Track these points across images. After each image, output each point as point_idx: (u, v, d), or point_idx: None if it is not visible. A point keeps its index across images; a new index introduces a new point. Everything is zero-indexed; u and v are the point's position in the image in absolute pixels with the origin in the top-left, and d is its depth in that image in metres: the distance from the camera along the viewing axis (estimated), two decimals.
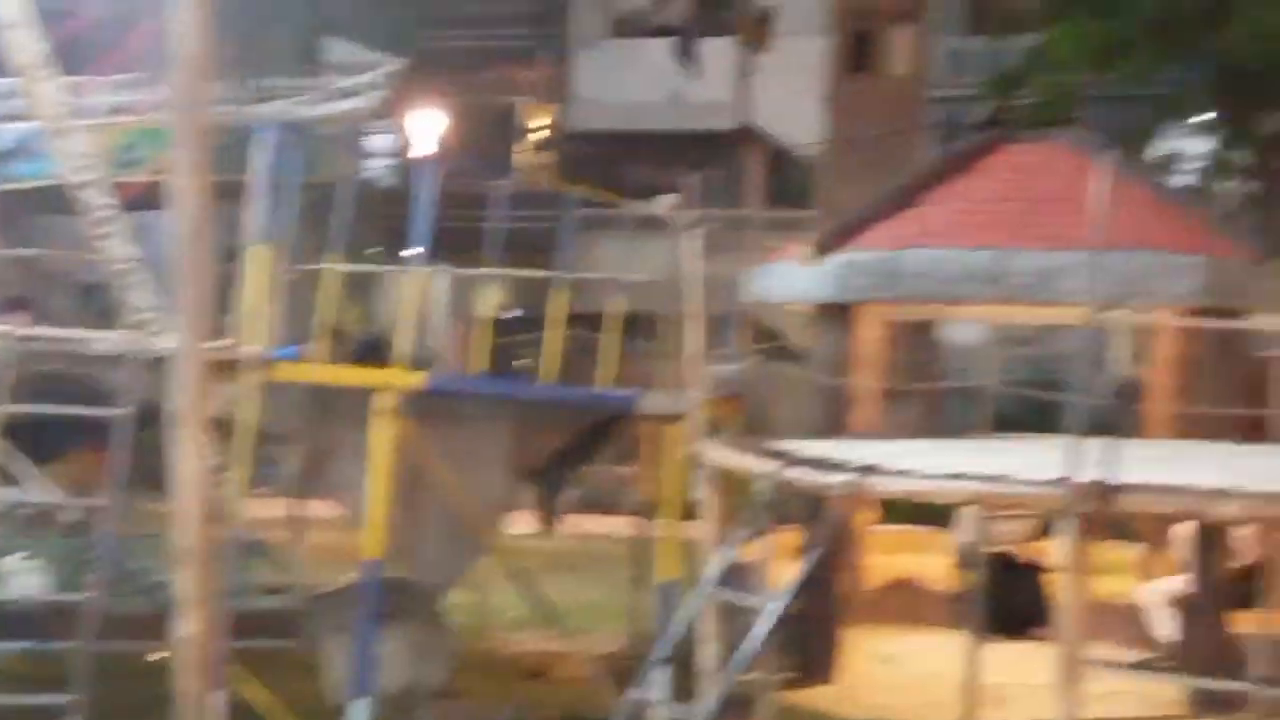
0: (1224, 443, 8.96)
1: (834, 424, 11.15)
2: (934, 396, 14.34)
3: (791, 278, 10.31)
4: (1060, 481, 3.76)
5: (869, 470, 4.45)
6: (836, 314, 10.66)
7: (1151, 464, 5.15)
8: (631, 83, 24.59)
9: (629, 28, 26.07)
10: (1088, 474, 3.73)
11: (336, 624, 8.18)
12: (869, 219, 10.31)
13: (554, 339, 8.89)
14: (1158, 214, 9.84)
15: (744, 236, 24.19)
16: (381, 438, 7.51)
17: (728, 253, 21.16)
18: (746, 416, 9.22)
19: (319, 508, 9.95)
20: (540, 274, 9.78)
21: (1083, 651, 3.80)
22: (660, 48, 25.00)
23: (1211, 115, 17.36)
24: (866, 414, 11.70)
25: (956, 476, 4.20)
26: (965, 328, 18.69)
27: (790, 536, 8.53)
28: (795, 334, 16.91)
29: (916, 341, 19.54)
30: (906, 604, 11.51)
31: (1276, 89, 16.27)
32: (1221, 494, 3.69)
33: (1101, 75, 16.56)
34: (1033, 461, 4.09)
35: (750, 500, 5.61)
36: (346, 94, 11.18)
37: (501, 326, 22.64)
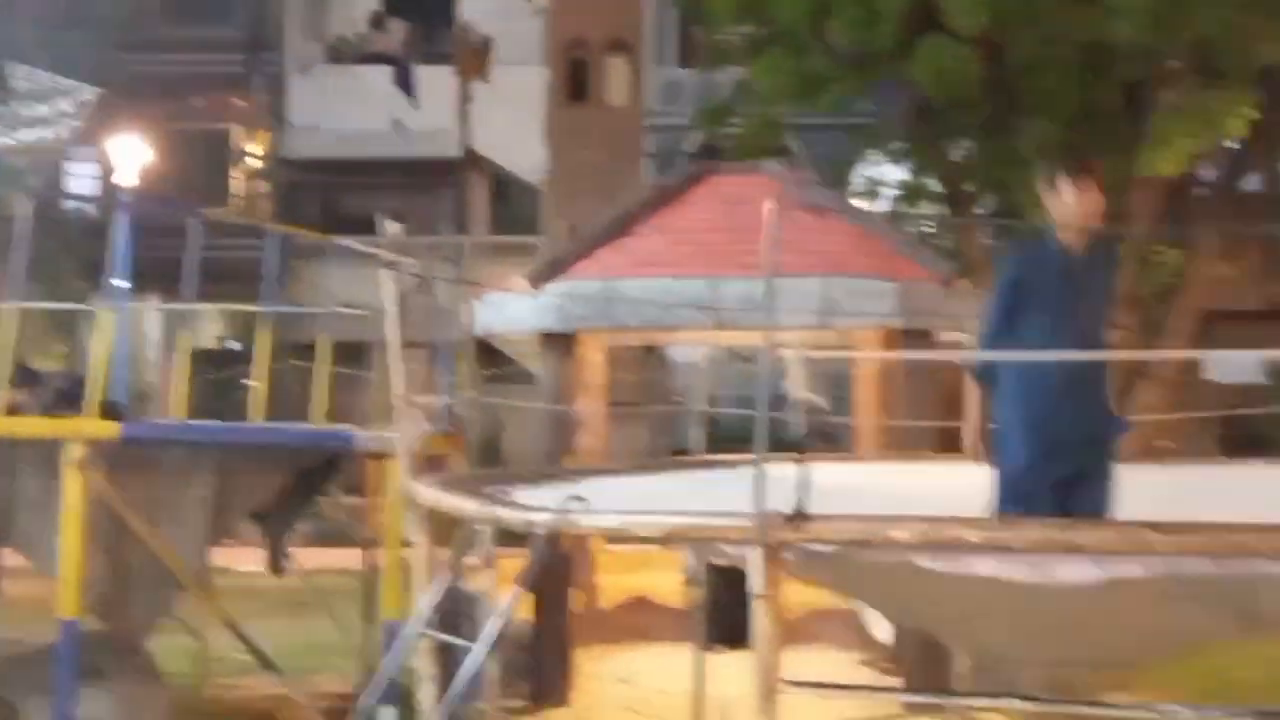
0: (919, 459, 9.44)
1: (560, 450, 11.26)
2: (662, 417, 14.63)
3: (511, 308, 10.33)
4: (750, 514, 3.87)
5: (574, 507, 4.47)
6: (559, 342, 10.74)
7: (840, 488, 5.38)
8: (350, 110, 24.19)
9: (344, 54, 25.64)
10: (775, 503, 3.86)
11: (35, 685, 7.68)
12: (585, 249, 10.45)
13: (262, 374, 8.59)
14: (854, 240, 10.33)
15: (470, 263, 24.23)
16: (73, 490, 7.08)
17: (455, 278, 21.24)
18: (469, 449, 9.12)
19: (11, 557, 9.31)
20: (245, 307, 9.44)
21: (778, 676, 3.92)
22: (379, 75, 24.69)
23: (905, 144, 18.48)
24: (592, 439, 11.85)
25: (655, 513, 4.27)
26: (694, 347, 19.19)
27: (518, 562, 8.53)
28: (529, 359, 17.02)
29: (646, 362, 20.02)
30: (641, 621, 11.64)
31: (961, 121, 17.46)
32: (899, 520, 3.88)
33: (803, 107, 17.39)
34: (738, 487, 4.20)
35: (469, 529, 5.57)
36: (37, 122, 10.55)
37: (219, 359, 21.89)
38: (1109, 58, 14.89)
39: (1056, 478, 4.71)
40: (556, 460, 10.23)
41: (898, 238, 11.53)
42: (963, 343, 10.14)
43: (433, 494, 5.45)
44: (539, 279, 9.89)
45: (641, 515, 4.34)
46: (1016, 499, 4.70)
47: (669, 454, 16.87)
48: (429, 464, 8.76)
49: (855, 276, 9.68)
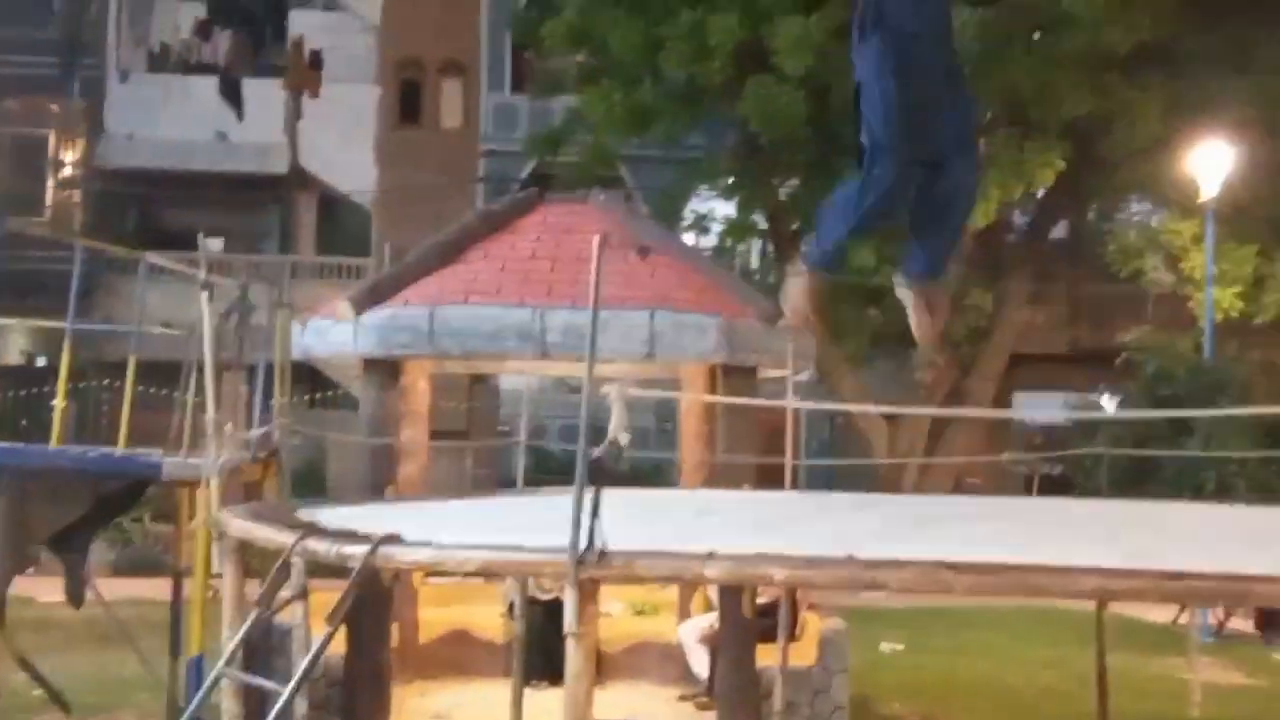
0: (741, 489, 9.56)
1: (381, 480, 11.06)
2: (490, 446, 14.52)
3: (333, 333, 10.09)
4: (561, 549, 3.87)
5: (388, 540, 4.40)
6: (381, 369, 10.55)
7: (653, 519, 5.44)
8: (172, 120, 23.42)
9: (168, 63, 24.87)
10: (584, 539, 3.87)
11: None
12: (411, 275, 10.30)
13: (65, 394, 8.22)
14: (680, 275, 10.42)
15: (296, 283, 23.69)
16: None
17: (275, 299, 20.71)
18: (286, 477, 8.88)
19: None
20: (49, 323, 9.04)
21: (590, 713, 3.92)
22: (204, 85, 24.00)
23: (733, 180, 18.82)
24: (415, 468, 11.67)
25: (469, 546, 4.24)
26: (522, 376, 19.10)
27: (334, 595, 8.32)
28: (354, 384, 16.68)
29: (474, 389, 19.84)
30: (461, 656, 11.48)
31: (787, 159, 17.90)
32: (709, 557, 3.92)
33: (634, 137, 17.60)
34: (555, 520, 4.19)
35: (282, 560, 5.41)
36: None
37: (25, 376, 20.88)
38: None
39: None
40: (377, 490, 10.04)
41: (722, 274, 11.68)
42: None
43: (243, 525, 5.30)
44: (362, 304, 9.70)
45: (455, 549, 4.30)
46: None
47: (497, 483, 16.76)
48: (244, 491, 8.52)
49: (680, 311, 9.75)
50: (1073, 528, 5.68)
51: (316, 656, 4.32)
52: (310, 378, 18.17)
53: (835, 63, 15.03)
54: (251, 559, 5.92)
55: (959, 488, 19.28)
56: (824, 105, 15.67)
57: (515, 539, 4.38)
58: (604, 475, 4.18)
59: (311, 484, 20.83)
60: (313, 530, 4.83)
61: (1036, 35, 15.02)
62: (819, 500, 7.89)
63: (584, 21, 16.73)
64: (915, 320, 4.63)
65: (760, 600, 9.82)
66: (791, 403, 8.76)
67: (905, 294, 4.67)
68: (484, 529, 5.46)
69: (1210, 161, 14.82)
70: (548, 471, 19.92)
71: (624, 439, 4.21)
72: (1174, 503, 7.00)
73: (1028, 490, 19.09)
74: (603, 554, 3.90)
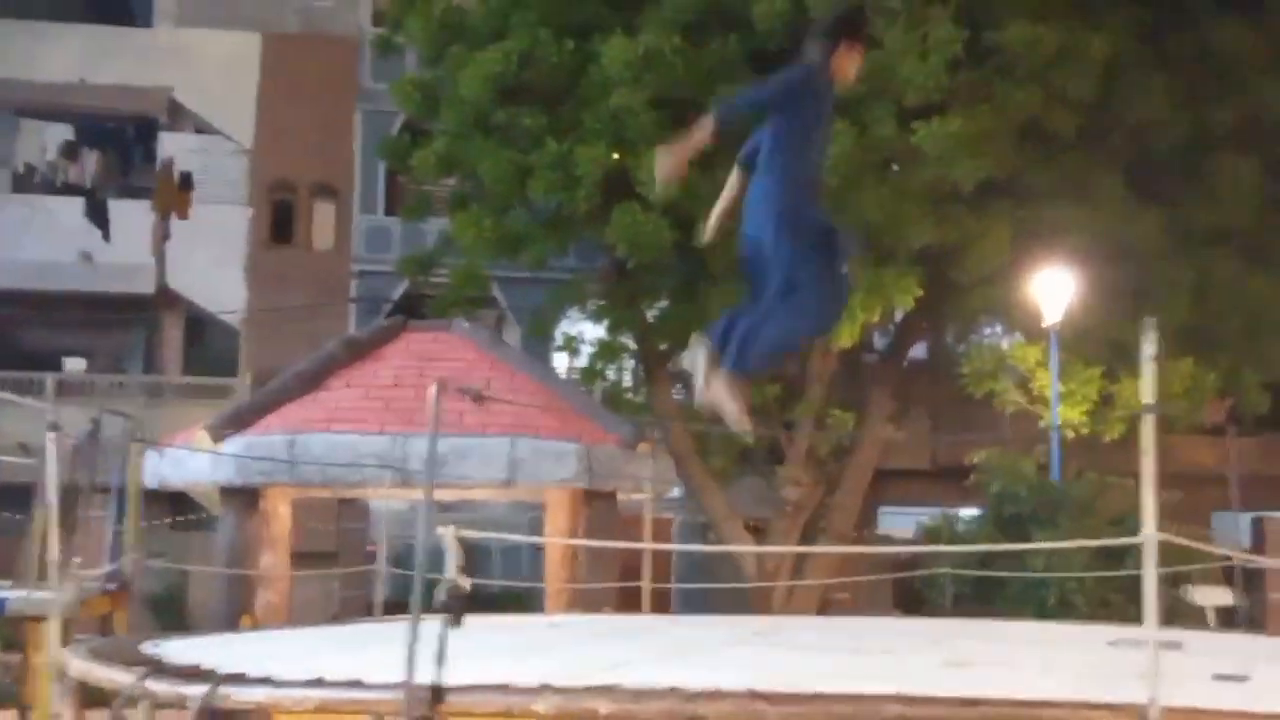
0: (600, 614, 9.71)
1: (239, 608, 10.96)
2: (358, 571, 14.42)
3: (191, 461, 10.10)
4: (397, 686, 4.01)
5: (227, 680, 4.49)
6: (240, 496, 10.55)
7: (500, 649, 5.56)
8: (35, 241, 23.16)
9: (32, 184, 24.64)
10: (421, 675, 4.01)
11: None
12: (271, 402, 10.38)
13: None
14: (542, 401, 10.67)
15: (162, 402, 23.35)
16: None
17: (148, 419, 20.42)
18: (136, 607, 8.80)
19: None
20: None
21: None
22: (68, 206, 23.79)
23: (603, 303, 19.20)
24: (275, 596, 11.59)
25: (306, 684, 4.34)
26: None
27: None
28: (218, 507, 16.48)
29: (345, 511, 19.67)
30: None
31: (654, 283, 18.37)
32: (545, 689, 4.09)
33: (505, 261, 17.92)
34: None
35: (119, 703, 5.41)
36: None
37: None
38: None
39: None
40: (233, 620, 9.98)
41: (584, 400, 11.97)
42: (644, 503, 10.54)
43: (82, 665, 5.31)
44: (221, 432, 9.75)
45: (293, 687, 4.40)
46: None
47: (365, 607, 16.61)
48: (99, 623, 8.42)
49: (541, 438, 10.00)
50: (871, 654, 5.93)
51: None
52: (173, 499, 17.89)
53: (699, 192, 15.61)
54: (93, 691, 5.89)
55: (826, 605, 19.61)
56: (688, 232, 16.18)
57: (361, 672, 4.49)
58: (452, 615, 4.35)
59: (172, 611, 20.35)
60: (152, 669, 4.88)
61: (895, 168, 15.75)
62: (663, 624, 8.08)
63: (453, 150, 17.10)
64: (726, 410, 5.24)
65: None
66: (648, 545, 8.97)
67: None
68: (330, 663, 5.54)
69: (1052, 287, 15.63)
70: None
71: (465, 583, 4.37)
72: (994, 621, 7.34)
73: (896, 604, 19.50)
74: (437, 691, 4.04)
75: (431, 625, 4.20)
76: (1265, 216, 17.23)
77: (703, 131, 5.22)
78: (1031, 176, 16.26)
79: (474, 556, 21.47)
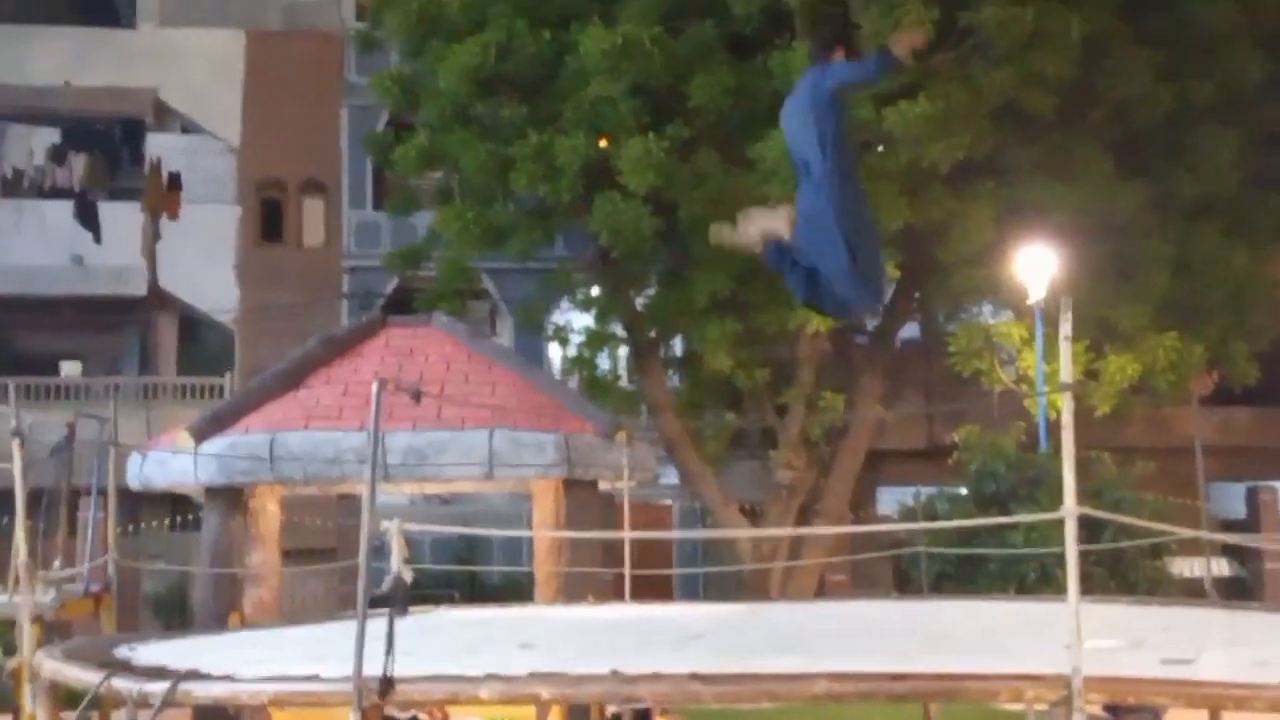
0: (581, 604, 9.86)
1: (226, 607, 11.12)
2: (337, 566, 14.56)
3: (174, 463, 10.24)
4: (347, 678, 4.15)
5: (188, 677, 4.64)
6: (224, 495, 10.69)
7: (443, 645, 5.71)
8: (26, 245, 23.32)
9: (21, 189, 24.78)
10: (371, 666, 4.15)
11: None
12: (252, 402, 10.53)
13: None
14: (521, 394, 10.81)
15: (157, 403, 23.51)
16: None
17: (143, 420, 20.58)
18: (114, 611, 8.95)
19: None
20: None
21: None
22: (58, 209, 23.94)
23: (593, 291, 19.34)
24: (266, 592, 11.74)
25: (263, 680, 4.49)
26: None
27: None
28: None
29: (345, 506, 19.81)
30: None
31: (641, 271, 18.50)
32: (490, 677, 4.23)
33: (491, 252, 18.06)
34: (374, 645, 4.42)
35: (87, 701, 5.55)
36: None
37: None
38: None
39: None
40: (222, 618, 10.14)
41: (563, 391, 12.10)
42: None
43: (54, 665, 5.46)
44: (202, 432, 9.89)
45: (250, 683, 4.54)
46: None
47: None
48: (81, 625, 8.57)
49: (519, 430, 10.13)
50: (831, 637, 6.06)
51: None
52: (174, 500, 18.06)
53: (677, 180, 15.73)
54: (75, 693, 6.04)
55: (823, 587, 19.76)
56: (672, 220, 16.31)
57: (325, 666, 4.63)
58: (396, 606, 4.49)
59: (175, 610, 20.56)
60: (117, 669, 5.03)
61: (880, 149, 15.84)
62: (642, 613, 8.22)
63: (435, 144, 17.21)
64: None
65: (611, 710, 10.11)
66: (627, 534, 9.11)
67: None
68: (301, 658, 5.69)
69: (1036, 265, 15.73)
70: (418, 586, 19.95)
71: (408, 575, 4.51)
72: (965, 600, 7.47)
73: (896, 585, 19.63)
74: (385, 681, 4.18)
75: (386, 621, 4.33)
76: (1246, 189, 17.31)
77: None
78: (1012, 155, 16.35)
79: (477, 548, 21.58)
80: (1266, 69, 17.06)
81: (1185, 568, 15.74)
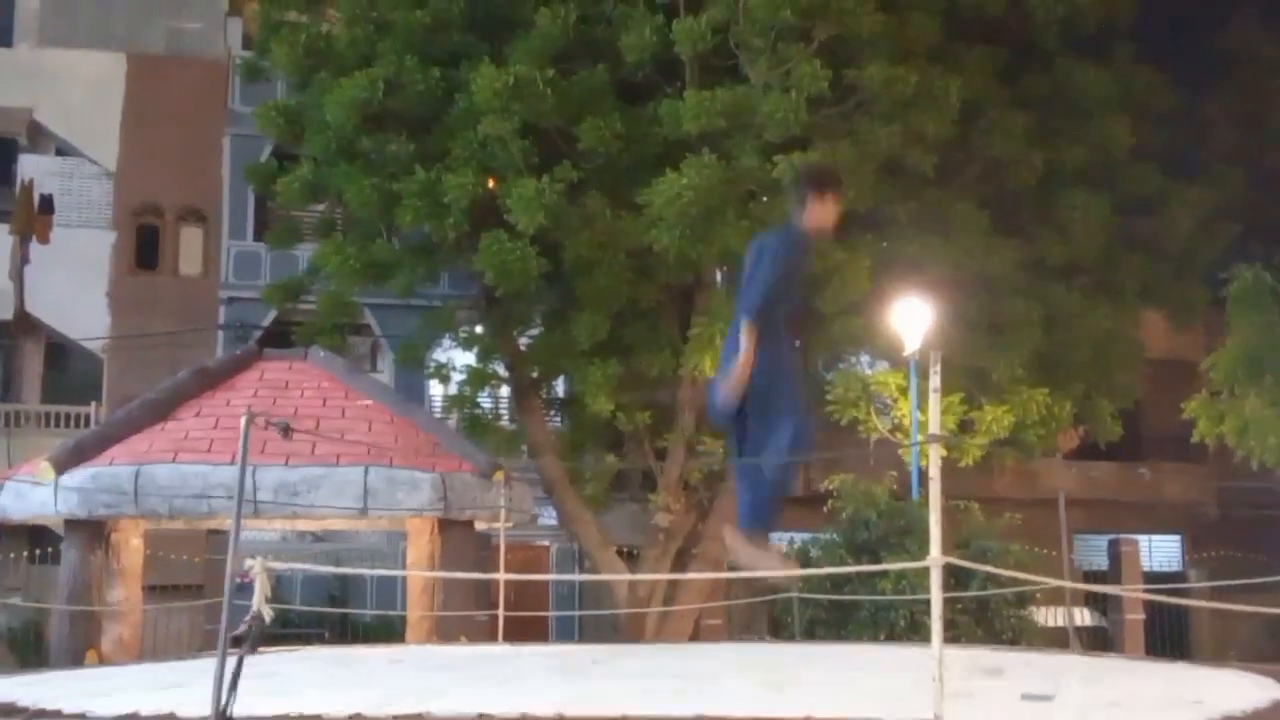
0: (456, 643, 9.73)
1: (83, 643, 10.75)
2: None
3: (33, 494, 9.91)
4: (205, 718, 4.04)
5: (38, 715, 4.47)
6: (85, 528, 10.37)
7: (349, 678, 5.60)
8: None
9: None
10: (222, 705, 4.04)
11: None
12: (118, 433, 10.24)
13: None
14: (397, 431, 10.69)
15: (20, 431, 22.73)
16: None
17: (5, 448, 19.85)
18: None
19: None
20: None
21: None
22: None
23: (476, 329, 19.22)
24: (127, 629, 11.38)
25: (121, 718, 4.35)
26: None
27: None
28: None
29: (214, 541, 19.28)
30: None
31: (524, 310, 18.45)
32: (355, 717, 4.15)
33: (373, 288, 17.85)
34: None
35: None
36: None
37: None
38: (654, 263, 16.27)
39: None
40: (78, 656, 9.80)
41: (441, 429, 12.00)
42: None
43: None
44: (64, 464, 9.58)
45: None
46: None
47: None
48: None
49: (395, 467, 10.01)
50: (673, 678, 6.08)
51: None
52: (31, 532, 17.45)
53: (565, 222, 15.76)
54: None
55: (698, 632, 19.79)
56: (556, 260, 16.31)
57: (187, 705, 4.50)
58: (246, 645, 4.39)
59: (30, 647, 19.79)
60: None
61: (765, 199, 16.05)
62: (514, 653, 8.15)
63: (319, 177, 17.01)
64: None
65: None
66: (502, 575, 9.04)
67: None
68: (158, 696, 5.52)
69: (911, 317, 16.06)
70: (287, 625, 19.48)
71: (267, 614, 4.41)
72: (830, 645, 7.55)
73: (769, 629, 19.75)
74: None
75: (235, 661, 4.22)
76: (1112, 250, 17.95)
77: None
78: (893, 209, 16.73)
79: (350, 587, 21.13)
80: (1135, 137, 17.78)
81: (1049, 617, 16.10)
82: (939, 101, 15.59)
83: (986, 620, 11.80)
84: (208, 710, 4.19)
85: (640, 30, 15.60)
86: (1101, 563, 22.60)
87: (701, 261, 16.19)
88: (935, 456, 4.29)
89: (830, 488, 15.20)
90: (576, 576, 17.83)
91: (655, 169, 15.22)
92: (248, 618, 4.25)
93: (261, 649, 9.14)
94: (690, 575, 17.76)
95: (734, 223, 15.04)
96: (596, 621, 20.94)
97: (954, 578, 10.77)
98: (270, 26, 18.07)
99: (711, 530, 19.25)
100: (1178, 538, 26.99)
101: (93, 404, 22.78)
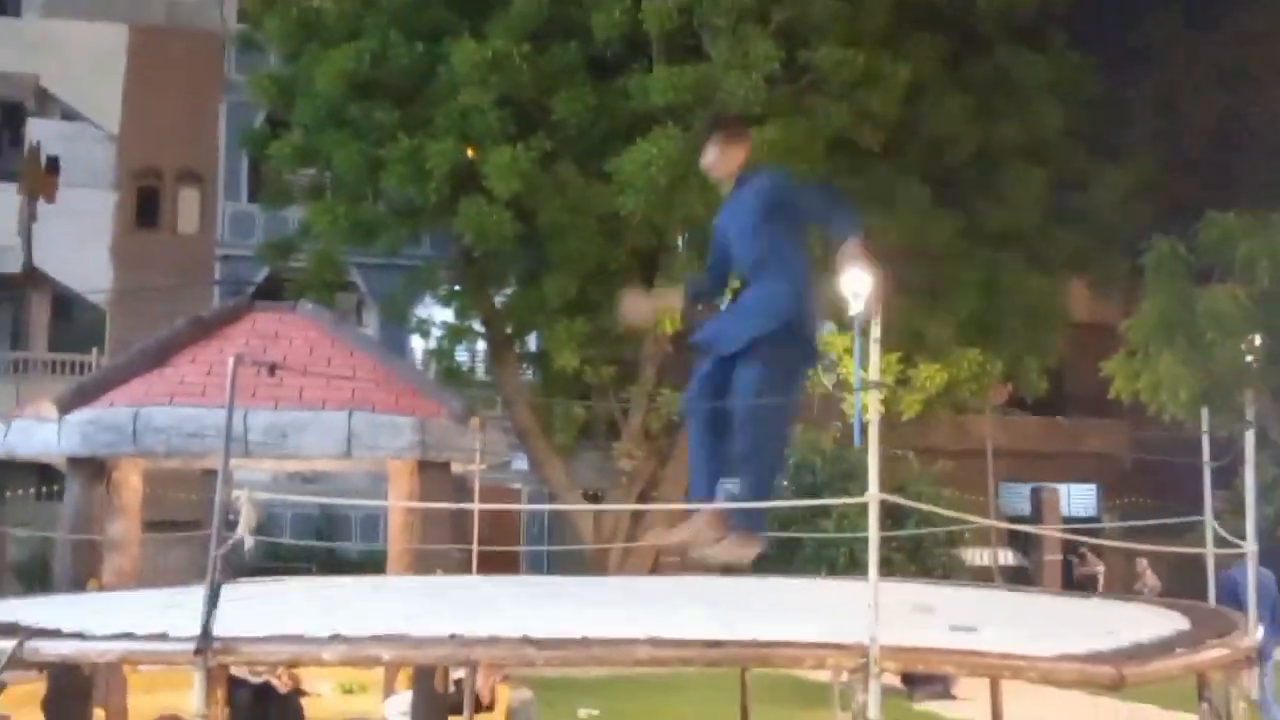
0: (432, 575, 9.68)
1: (84, 574, 10.64)
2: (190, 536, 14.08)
3: (38, 432, 9.74)
4: (192, 639, 3.98)
5: (36, 635, 4.39)
6: (87, 466, 10.22)
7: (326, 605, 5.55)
8: None
9: None
10: (215, 627, 3.99)
11: None
12: (118, 377, 10.08)
13: None
14: (379, 379, 10.58)
15: (28, 377, 22.50)
16: None
17: (13, 394, 19.61)
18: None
19: None
20: None
21: None
22: None
23: (455, 288, 19.14)
24: (125, 561, 11.28)
25: (111, 638, 4.28)
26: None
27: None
28: None
29: (208, 481, 19.18)
30: None
31: (499, 271, 18.37)
32: (334, 638, 4.10)
33: (360, 247, 17.73)
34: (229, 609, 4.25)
35: None
36: None
37: None
38: (622, 227, 16.22)
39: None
40: (79, 585, 9.68)
41: (420, 377, 11.90)
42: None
43: None
44: (68, 404, 9.43)
45: (99, 640, 4.32)
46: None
47: (233, 572, 16.28)
48: None
49: (377, 412, 9.90)
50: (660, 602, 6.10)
51: None
52: (40, 470, 17.29)
53: (538, 188, 15.66)
54: None
55: (657, 567, 19.89)
56: (531, 225, 16.24)
57: (181, 628, 4.43)
58: (233, 570, 4.34)
59: (37, 577, 19.69)
60: None
61: None
62: (486, 583, 8.12)
63: (310, 142, 16.81)
64: None
65: (457, 675, 9.96)
66: (476, 505, 8.98)
67: None
68: (150, 619, 5.45)
69: (856, 283, 16.06)
70: (277, 559, 19.45)
71: (249, 541, 4.35)
72: (781, 578, 7.59)
73: (721, 565, 19.85)
74: (205, 637, 4.01)
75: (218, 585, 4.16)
76: (1045, 223, 18.01)
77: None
78: (841, 183, 16.69)
79: (336, 524, 21.14)
80: (1065, 119, 17.81)
81: (976, 556, 16.27)
82: (886, 82, 15.54)
83: (920, 558, 11.91)
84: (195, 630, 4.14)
85: (610, 10, 15.46)
86: (1025, 508, 22.85)
87: (666, 226, 16.15)
88: (875, 402, 4.27)
89: None
90: (545, 506, 17.85)
91: (624, 140, 15.13)
92: (230, 540, 4.19)
93: (249, 579, 9.12)
94: (648, 506, 17.81)
95: (697, 191, 14.99)
96: (564, 557, 21.00)
97: (890, 518, 10.84)
98: (264, 0, 17.78)
99: (670, 474, 19.34)
100: (1094, 486, 27.29)
101: (95, 352, 22.54)
